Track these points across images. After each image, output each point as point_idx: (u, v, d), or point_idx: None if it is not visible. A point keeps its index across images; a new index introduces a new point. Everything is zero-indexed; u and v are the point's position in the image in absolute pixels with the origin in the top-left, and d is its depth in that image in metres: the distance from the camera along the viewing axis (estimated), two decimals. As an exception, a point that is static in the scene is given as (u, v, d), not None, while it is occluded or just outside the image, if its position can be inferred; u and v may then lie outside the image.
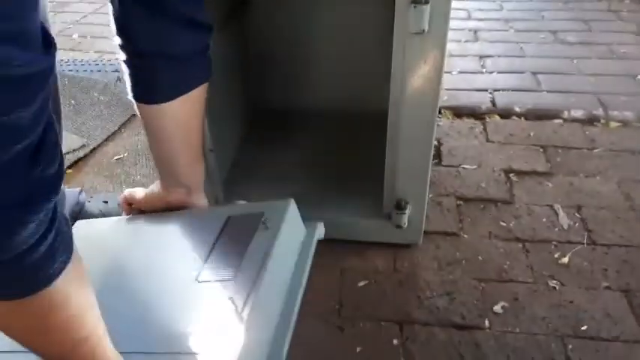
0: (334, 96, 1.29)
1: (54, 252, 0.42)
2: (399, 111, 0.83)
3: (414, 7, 0.72)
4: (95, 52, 1.91)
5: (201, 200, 0.79)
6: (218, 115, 0.97)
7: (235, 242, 0.66)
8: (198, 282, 0.63)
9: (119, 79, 1.64)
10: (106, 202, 1.13)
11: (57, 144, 0.40)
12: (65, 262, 0.44)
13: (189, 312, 0.60)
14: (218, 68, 1.00)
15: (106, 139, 1.40)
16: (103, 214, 1.09)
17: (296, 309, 0.61)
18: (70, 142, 1.35)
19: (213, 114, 0.93)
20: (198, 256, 0.67)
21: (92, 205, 1.12)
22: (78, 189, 1.11)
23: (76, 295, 0.46)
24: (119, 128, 1.44)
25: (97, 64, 1.71)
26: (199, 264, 0.65)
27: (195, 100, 0.70)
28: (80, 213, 1.08)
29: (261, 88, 1.32)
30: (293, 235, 0.69)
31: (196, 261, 0.66)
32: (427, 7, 0.72)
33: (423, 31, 0.73)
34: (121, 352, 0.54)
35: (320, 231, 0.71)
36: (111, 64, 1.71)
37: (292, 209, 0.69)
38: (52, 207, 0.41)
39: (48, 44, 0.38)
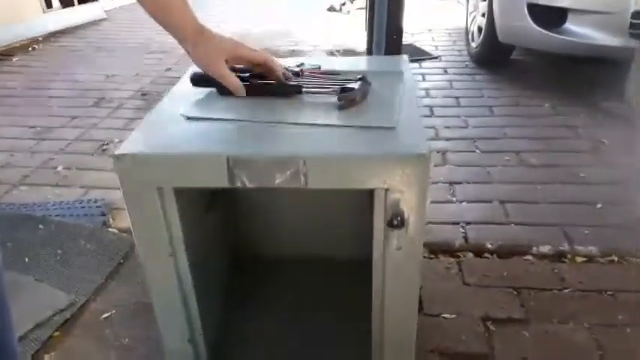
0: (309, 246, 1.36)
1: None
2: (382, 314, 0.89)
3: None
4: (80, 187, 1.96)
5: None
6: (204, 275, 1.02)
7: None
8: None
9: (105, 223, 1.68)
10: None
11: None
12: None
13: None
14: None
15: (93, 294, 1.41)
16: None
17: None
18: (57, 300, 1.36)
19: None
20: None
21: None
22: None
23: None
24: (105, 280, 1.46)
25: (84, 207, 1.75)
26: None
27: None
28: None
29: (243, 239, 1.38)
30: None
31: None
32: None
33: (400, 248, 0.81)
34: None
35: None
36: (97, 206, 1.76)
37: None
38: None
39: None
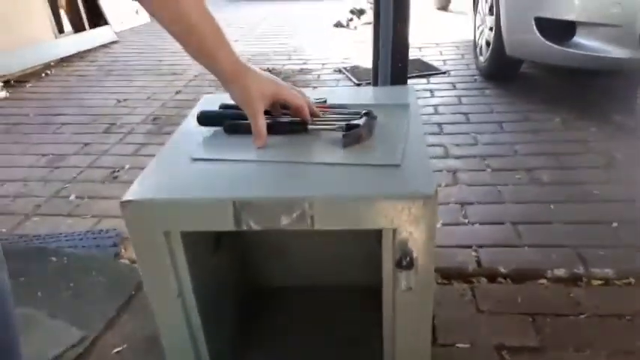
0: (318, 275, 1.34)
1: None
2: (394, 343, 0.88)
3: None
4: (92, 216, 1.97)
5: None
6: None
7: None
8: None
9: (117, 254, 1.69)
10: None
11: None
12: None
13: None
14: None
15: (105, 327, 1.42)
16: None
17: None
18: (69, 336, 1.37)
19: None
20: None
21: None
22: None
23: None
24: (118, 313, 1.47)
25: (95, 238, 1.76)
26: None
27: None
28: None
29: (250, 271, 1.37)
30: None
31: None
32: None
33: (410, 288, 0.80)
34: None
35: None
36: (109, 237, 1.76)
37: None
38: None
39: None
